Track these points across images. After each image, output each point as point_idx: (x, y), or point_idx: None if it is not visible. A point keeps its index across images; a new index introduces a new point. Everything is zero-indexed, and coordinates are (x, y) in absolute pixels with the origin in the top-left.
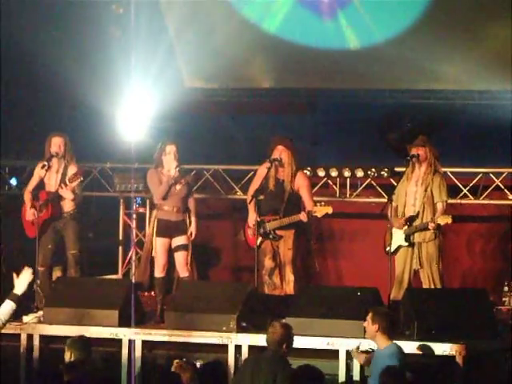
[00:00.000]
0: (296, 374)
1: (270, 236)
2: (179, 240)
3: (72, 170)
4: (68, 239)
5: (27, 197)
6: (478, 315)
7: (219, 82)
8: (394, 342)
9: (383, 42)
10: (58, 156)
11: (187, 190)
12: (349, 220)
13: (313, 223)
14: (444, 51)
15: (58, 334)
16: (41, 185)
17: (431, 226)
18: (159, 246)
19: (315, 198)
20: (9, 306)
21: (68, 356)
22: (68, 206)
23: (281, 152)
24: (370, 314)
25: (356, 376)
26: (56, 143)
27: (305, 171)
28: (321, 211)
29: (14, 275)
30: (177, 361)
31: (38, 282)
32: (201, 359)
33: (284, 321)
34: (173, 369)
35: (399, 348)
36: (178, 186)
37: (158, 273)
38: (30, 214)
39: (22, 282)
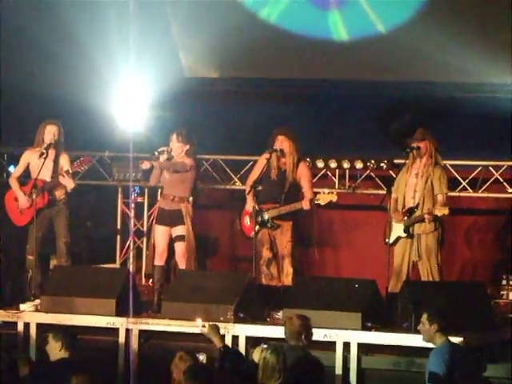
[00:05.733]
0: (296, 365)
1: (268, 224)
2: (176, 230)
3: (64, 158)
4: (59, 227)
5: (14, 184)
6: (476, 308)
7: (219, 71)
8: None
9: (384, 33)
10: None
11: (181, 178)
12: (348, 211)
13: (315, 213)
14: (446, 42)
15: (55, 323)
16: (26, 172)
17: (427, 217)
18: (156, 233)
19: (314, 190)
20: None
21: (58, 347)
22: (60, 193)
23: (282, 142)
24: (426, 315)
25: (353, 368)
26: (51, 131)
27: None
28: (324, 199)
29: None
30: (179, 354)
31: (30, 271)
32: (201, 351)
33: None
34: (173, 365)
35: (453, 344)
36: (172, 174)
37: (157, 261)
38: (24, 201)
39: None
